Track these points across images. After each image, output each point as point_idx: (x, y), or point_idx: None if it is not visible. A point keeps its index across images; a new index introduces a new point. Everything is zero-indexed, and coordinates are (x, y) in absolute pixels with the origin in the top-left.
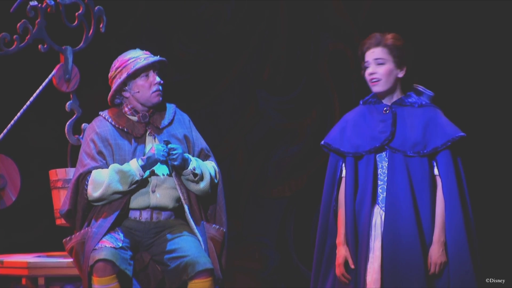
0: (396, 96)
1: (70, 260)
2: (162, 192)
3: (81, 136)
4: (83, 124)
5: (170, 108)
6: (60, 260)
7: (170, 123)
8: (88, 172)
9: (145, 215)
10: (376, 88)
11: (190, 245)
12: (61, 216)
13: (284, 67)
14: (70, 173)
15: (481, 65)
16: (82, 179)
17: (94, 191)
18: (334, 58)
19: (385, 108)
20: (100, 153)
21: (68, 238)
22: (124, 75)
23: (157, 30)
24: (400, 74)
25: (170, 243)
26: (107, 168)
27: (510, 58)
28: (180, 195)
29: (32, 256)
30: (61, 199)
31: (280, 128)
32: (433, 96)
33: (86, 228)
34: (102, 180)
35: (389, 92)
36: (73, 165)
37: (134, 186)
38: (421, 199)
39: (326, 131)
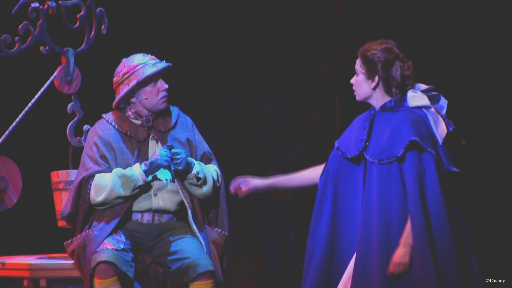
0: (382, 102)
1: (72, 262)
2: (164, 195)
3: (82, 138)
4: (85, 126)
5: (173, 111)
6: (61, 262)
7: (173, 127)
8: (91, 176)
9: (146, 217)
10: (356, 98)
11: (191, 247)
12: (62, 218)
13: (284, 69)
14: (72, 175)
15: (481, 64)
16: (85, 183)
17: (97, 195)
18: (334, 59)
19: (371, 115)
20: (103, 157)
21: (69, 240)
22: (133, 82)
23: (157, 31)
24: (372, 85)
25: (172, 245)
26: (110, 172)
27: (510, 58)
28: (183, 199)
29: (34, 258)
30: (62, 201)
31: (280, 130)
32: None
33: (87, 231)
34: (105, 185)
35: (372, 101)
36: (75, 167)
37: (137, 191)
38: (390, 206)
39: (326, 133)
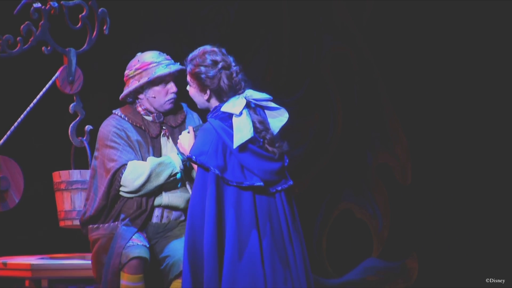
0: None
1: (74, 262)
2: (174, 192)
3: (84, 138)
4: (87, 126)
5: (182, 107)
6: (63, 262)
7: (182, 122)
8: (123, 166)
9: (156, 214)
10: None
11: (181, 247)
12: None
13: (287, 69)
14: (74, 175)
15: (483, 64)
16: (117, 172)
17: (132, 181)
18: (337, 60)
19: None
20: (128, 146)
21: (95, 226)
22: (145, 79)
23: (160, 32)
24: (205, 97)
25: (166, 244)
26: (137, 160)
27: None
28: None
29: (36, 258)
30: (64, 201)
31: (283, 130)
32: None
33: (116, 223)
34: (142, 171)
35: (210, 109)
36: (76, 167)
37: (171, 179)
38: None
39: (328, 133)
